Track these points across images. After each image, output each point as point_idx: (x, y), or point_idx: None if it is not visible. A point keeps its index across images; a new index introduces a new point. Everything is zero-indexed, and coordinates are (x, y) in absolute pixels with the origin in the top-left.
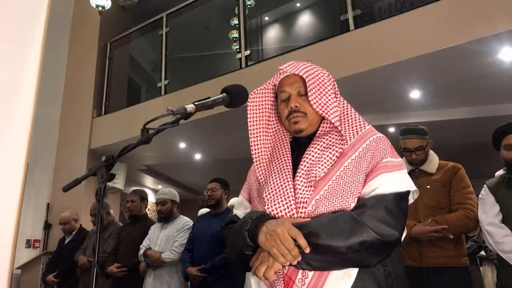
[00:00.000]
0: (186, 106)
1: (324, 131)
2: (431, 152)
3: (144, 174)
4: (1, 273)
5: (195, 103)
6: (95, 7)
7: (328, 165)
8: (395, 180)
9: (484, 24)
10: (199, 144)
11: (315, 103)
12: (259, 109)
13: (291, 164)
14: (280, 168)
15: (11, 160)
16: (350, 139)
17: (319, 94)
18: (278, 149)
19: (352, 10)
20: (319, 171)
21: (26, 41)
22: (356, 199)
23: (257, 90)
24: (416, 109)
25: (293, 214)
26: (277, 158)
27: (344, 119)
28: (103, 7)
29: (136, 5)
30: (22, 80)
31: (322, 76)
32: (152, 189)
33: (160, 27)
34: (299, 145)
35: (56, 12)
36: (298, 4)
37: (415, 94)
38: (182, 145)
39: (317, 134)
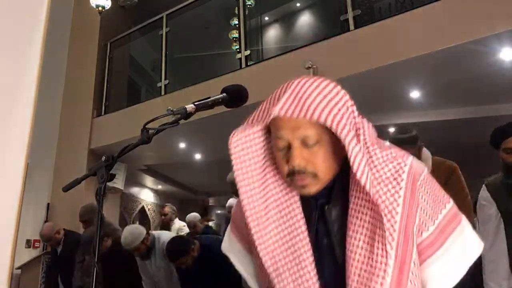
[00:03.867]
0: (186, 106)
1: (341, 185)
2: (424, 154)
3: (144, 174)
4: (1, 273)
5: (195, 103)
6: (95, 7)
7: (387, 273)
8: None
9: (484, 24)
10: (199, 144)
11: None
12: (249, 158)
13: (312, 255)
14: (296, 256)
15: (11, 160)
16: (398, 202)
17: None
18: (283, 216)
19: (352, 10)
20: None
21: (26, 41)
22: None
23: (241, 134)
24: (416, 109)
25: None
26: (286, 234)
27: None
28: (103, 7)
29: (136, 5)
30: (22, 80)
31: (343, 110)
32: (152, 189)
33: (160, 27)
34: (311, 207)
35: (56, 12)
36: (298, 4)
37: (415, 94)
38: (182, 145)
39: (350, 199)
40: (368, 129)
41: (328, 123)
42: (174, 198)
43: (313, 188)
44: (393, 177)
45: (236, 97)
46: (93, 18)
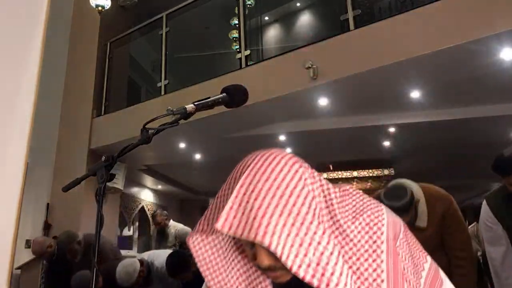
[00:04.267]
0: (186, 106)
1: None
2: (419, 204)
3: (144, 174)
4: (1, 273)
5: (195, 103)
6: (95, 7)
7: None
8: None
9: (484, 24)
10: (199, 144)
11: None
12: (211, 247)
13: None
14: None
15: (11, 160)
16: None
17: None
18: None
19: (352, 10)
20: None
21: (26, 41)
22: None
23: (200, 240)
24: (416, 109)
25: None
26: None
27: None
28: (103, 7)
29: (136, 5)
30: (22, 80)
31: (301, 196)
32: (152, 189)
33: (160, 27)
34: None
35: (56, 12)
36: (298, 4)
37: (415, 94)
38: (182, 145)
39: None
40: (336, 197)
41: (272, 248)
42: (174, 198)
43: (286, 278)
44: (372, 249)
45: (236, 97)
46: (93, 18)
